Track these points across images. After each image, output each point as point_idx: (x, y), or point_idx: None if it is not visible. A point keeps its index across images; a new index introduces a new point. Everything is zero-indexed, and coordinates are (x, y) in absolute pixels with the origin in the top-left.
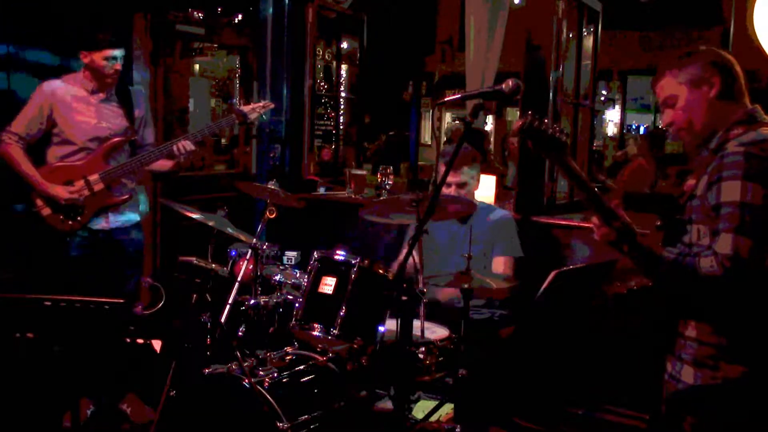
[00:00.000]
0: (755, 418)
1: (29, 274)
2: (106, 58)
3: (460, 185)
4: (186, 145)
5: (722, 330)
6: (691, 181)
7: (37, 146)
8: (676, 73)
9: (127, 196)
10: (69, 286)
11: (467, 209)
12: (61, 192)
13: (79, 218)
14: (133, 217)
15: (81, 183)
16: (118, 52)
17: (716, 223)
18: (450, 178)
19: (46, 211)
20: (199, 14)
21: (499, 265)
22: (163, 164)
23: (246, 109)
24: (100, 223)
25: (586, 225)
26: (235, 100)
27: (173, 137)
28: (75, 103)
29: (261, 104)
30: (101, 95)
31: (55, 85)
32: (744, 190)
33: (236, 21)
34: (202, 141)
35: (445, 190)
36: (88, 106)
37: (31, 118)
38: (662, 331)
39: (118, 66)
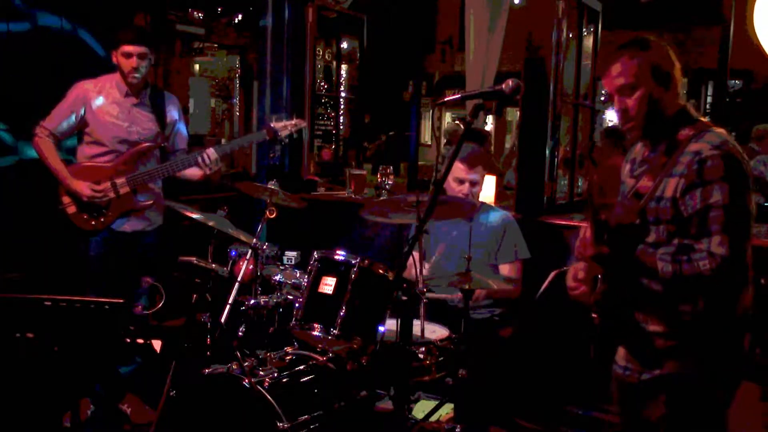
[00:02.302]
0: (722, 404)
1: (47, 270)
2: (124, 54)
3: (474, 183)
4: (210, 154)
5: (694, 322)
6: (645, 182)
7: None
8: (637, 62)
9: (151, 202)
10: (85, 284)
11: (470, 210)
12: (85, 189)
13: (102, 219)
14: (155, 221)
15: (107, 184)
16: (134, 49)
17: (703, 225)
18: (465, 175)
19: (71, 209)
20: (199, 14)
21: (505, 271)
22: (193, 173)
23: (278, 126)
24: (123, 226)
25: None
26: (271, 119)
27: None
28: (108, 105)
29: (293, 122)
30: (134, 99)
31: (89, 85)
32: (728, 191)
33: (236, 21)
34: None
35: (457, 188)
36: (121, 109)
37: (64, 115)
38: (620, 327)
39: (134, 63)
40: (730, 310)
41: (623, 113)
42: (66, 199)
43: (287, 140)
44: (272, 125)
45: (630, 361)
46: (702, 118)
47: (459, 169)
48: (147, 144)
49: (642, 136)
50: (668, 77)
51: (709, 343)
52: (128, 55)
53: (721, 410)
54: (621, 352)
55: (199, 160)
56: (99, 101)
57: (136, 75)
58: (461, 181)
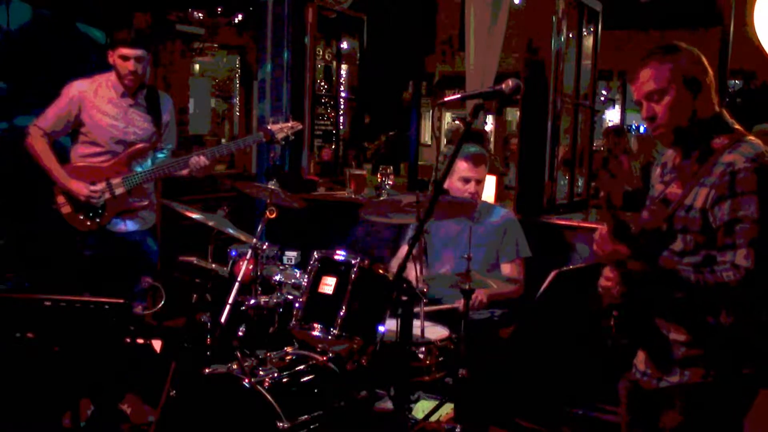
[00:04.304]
0: (740, 412)
1: (43, 271)
2: (121, 57)
3: (479, 181)
4: (201, 161)
5: (717, 331)
6: (674, 189)
7: (62, 143)
8: (667, 67)
9: (147, 203)
10: (82, 285)
11: (470, 210)
12: (81, 188)
13: (98, 219)
14: (150, 220)
15: (103, 185)
16: (131, 52)
17: (729, 237)
18: (471, 173)
19: (66, 209)
20: (199, 14)
21: (507, 270)
22: (181, 172)
23: (274, 128)
24: (118, 226)
25: (586, 225)
26: (266, 122)
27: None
28: (103, 105)
29: (289, 125)
30: (130, 99)
31: (84, 85)
32: (759, 205)
33: (236, 21)
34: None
35: (462, 187)
36: (117, 109)
37: (58, 115)
38: (640, 335)
39: (131, 66)
40: (753, 320)
41: (651, 120)
42: (61, 199)
43: (284, 142)
44: (269, 127)
45: (649, 367)
46: (738, 126)
47: (464, 168)
48: (143, 144)
49: (673, 143)
50: (698, 83)
51: (731, 354)
52: (125, 58)
53: (739, 418)
54: (640, 356)
55: (192, 162)
56: (95, 101)
57: (133, 78)
58: (467, 180)
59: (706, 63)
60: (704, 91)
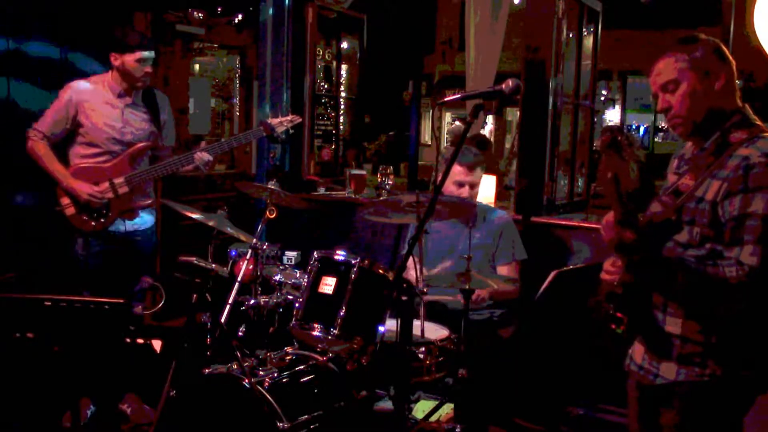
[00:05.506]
0: (739, 413)
1: (43, 271)
2: (138, 60)
3: (473, 185)
4: (204, 157)
5: (715, 329)
6: (687, 181)
7: (60, 145)
8: (683, 57)
9: (150, 201)
10: (82, 285)
11: (468, 211)
12: (85, 188)
13: (102, 220)
14: (149, 220)
15: (106, 185)
16: (148, 54)
17: (737, 232)
18: (465, 177)
19: (70, 211)
20: (199, 14)
21: (503, 273)
22: (185, 168)
23: (274, 122)
24: (119, 226)
25: (586, 225)
26: (268, 117)
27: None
28: (101, 106)
29: (288, 118)
30: (128, 99)
31: (82, 86)
32: None
33: (236, 21)
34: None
35: (456, 190)
36: (114, 110)
37: (57, 117)
38: (637, 327)
39: (149, 69)
40: (754, 320)
41: (666, 111)
42: (65, 200)
43: (284, 136)
44: (268, 121)
45: (646, 361)
46: (759, 123)
47: (458, 172)
48: (144, 143)
49: (689, 134)
50: (716, 75)
51: (730, 352)
52: (143, 61)
53: (738, 419)
54: (638, 350)
55: (196, 158)
56: (92, 102)
57: (146, 80)
58: (461, 184)
59: (727, 54)
60: (722, 83)
